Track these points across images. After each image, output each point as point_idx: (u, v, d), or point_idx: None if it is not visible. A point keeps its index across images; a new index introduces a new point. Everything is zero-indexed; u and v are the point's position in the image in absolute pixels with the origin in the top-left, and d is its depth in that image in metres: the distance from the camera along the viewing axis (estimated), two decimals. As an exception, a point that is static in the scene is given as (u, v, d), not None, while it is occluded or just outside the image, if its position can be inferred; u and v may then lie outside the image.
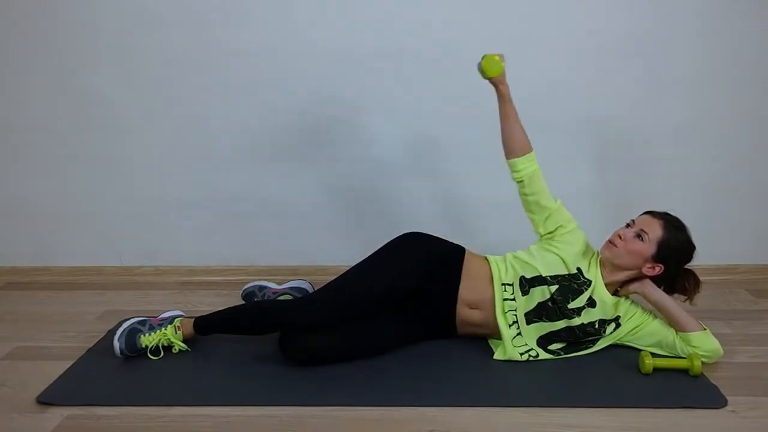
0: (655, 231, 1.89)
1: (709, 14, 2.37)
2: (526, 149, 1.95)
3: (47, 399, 1.76)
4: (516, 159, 1.94)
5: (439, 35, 2.41)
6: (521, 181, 1.96)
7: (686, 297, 1.95)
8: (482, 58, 1.91)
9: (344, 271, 2.00)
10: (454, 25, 2.40)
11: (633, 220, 1.96)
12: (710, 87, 2.45)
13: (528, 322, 1.95)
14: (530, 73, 2.44)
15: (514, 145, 1.95)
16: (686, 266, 1.95)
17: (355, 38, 2.42)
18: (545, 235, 2.00)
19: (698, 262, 1.94)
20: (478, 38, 2.41)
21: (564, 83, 2.45)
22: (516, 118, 1.96)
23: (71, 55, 2.47)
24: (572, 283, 1.92)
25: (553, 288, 1.92)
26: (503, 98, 1.96)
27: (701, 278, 1.96)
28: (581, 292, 1.92)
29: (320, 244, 2.67)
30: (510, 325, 1.96)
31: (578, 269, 1.94)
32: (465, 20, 2.40)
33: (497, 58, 1.91)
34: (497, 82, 1.94)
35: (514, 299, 1.95)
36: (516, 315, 1.95)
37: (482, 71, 1.92)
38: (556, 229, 1.98)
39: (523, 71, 2.44)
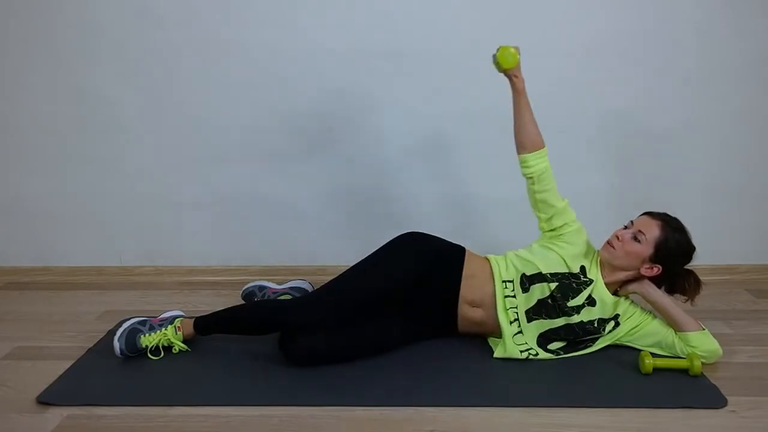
0: (653, 232, 1.89)
1: (710, 14, 2.37)
2: (538, 145, 1.93)
3: (47, 399, 1.76)
4: (527, 154, 1.93)
5: (441, 35, 2.41)
6: (531, 178, 1.94)
7: (687, 297, 1.95)
8: (497, 50, 1.89)
9: (344, 270, 2.00)
10: (456, 24, 2.40)
11: (631, 221, 1.96)
12: (710, 87, 2.45)
13: (528, 320, 1.95)
14: (531, 73, 2.44)
15: (526, 139, 1.93)
16: (687, 266, 1.95)
17: (356, 38, 2.42)
18: (548, 231, 2.00)
19: (698, 262, 1.94)
20: (479, 38, 2.41)
21: (564, 83, 2.45)
22: (530, 112, 1.94)
23: (71, 54, 2.47)
24: (572, 282, 1.92)
25: (553, 285, 1.92)
26: (517, 91, 1.94)
27: (702, 278, 1.96)
28: (580, 291, 1.92)
29: (320, 244, 2.67)
30: (511, 322, 1.96)
31: (581, 268, 1.94)
32: (466, 20, 2.40)
33: (513, 50, 1.88)
34: (512, 74, 1.92)
35: (514, 296, 1.96)
36: (517, 312, 1.95)
37: (497, 63, 1.90)
38: (560, 227, 1.98)
39: (524, 72, 2.44)
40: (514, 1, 2.38)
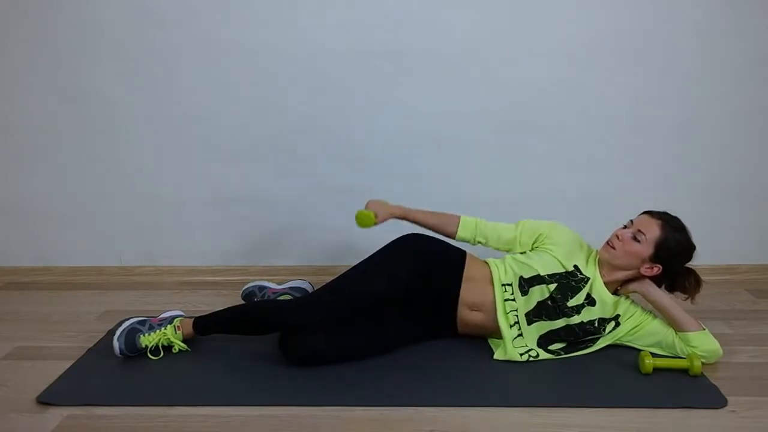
0: (653, 232, 1.89)
1: (710, 14, 2.37)
2: (455, 221, 2.06)
3: (47, 399, 1.76)
4: (457, 235, 2.05)
5: (441, 35, 2.41)
6: (478, 242, 2.07)
7: (687, 296, 1.95)
8: (356, 220, 1.99)
9: (344, 271, 2.00)
10: (456, 24, 2.40)
11: (631, 221, 1.96)
12: (710, 87, 2.45)
13: (529, 323, 1.95)
14: (531, 73, 2.45)
15: (445, 230, 2.06)
16: (687, 265, 1.95)
17: (356, 38, 2.42)
18: (531, 248, 2.04)
19: (698, 262, 1.94)
20: (479, 38, 2.42)
21: (564, 83, 2.45)
22: (424, 215, 2.07)
23: (71, 54, 2.47)
24: (570, 281, 1.92)
25: (552, 287, 1.92)
26: (405, 218, 2.07)
27: (701, 278, 1.96)
28: (579, 289, 1.92)
29: (320, 244, 2.67)
30: (511, 326, 1.96)
31: (575, 266, 1.94)
32: (466, 20, 2.40)
33: (359, 214, 1.98)
34: (384, 220, 2.02)
35: (514, 299, 1.96)
36: (517, 315, 1.95)
37: (365, 226, 2.00)
38: (535, 240, 2.03)
39: (524, 72, 2.46)
40: (514, 1, 2.38)
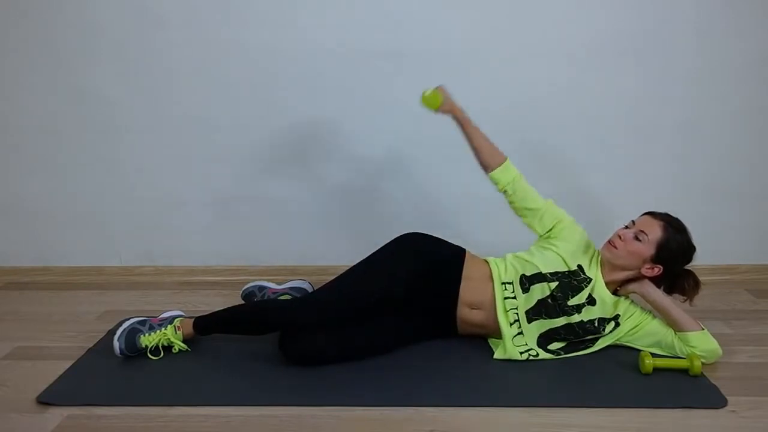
0: (655, 232, 1.89)
1: (710, 14, 2.37)
2: (500, 159, 1.99)
3: (47, 399, 1.76)
4: (493, 172, 1.99)
5: (441, 35, 2.41)
6: (505, 191, 2.00)
7: (686, 297, 1.95)
8: (421, 99, 1.99)
9: (344, 271, 2.00)
10: (456, 24, 2.40)
11: (633, 221, 1.96)
12: (711, 87, 2.45)
13: (529, 321, 1.95)
14: (530, 73, 2.45)
15: (486, 159, 1.99)
16: (686, 267, 1.95)
17: (356, 38, 2.42)
18: (544, 234, 2.01)
19: (698, 262, 1.94)
20: (479, 38, 2.42)
21: (564, 83, 2.45)
22: (479, 134, 2.01)
23: (71, 54, 2.47)
24: (572, 280, 1.92)
25: (553, 285, 1.92)
26: (460, 122, 2.02)
27: (701, 278, 1.96)
28: (581, 289, 1.92)
29: (320, 244, 2.67)
30: (511, 324, 1.96)
31: (579, 266, 1.94)
32: (466, 20, 2.40)
33: (429, 94, 1.98)
34: (446, 111, 2.00)
35: (514, 297, 1.96)
36: (517, 313, 1.95)
37: (428, 107, 2.00)
38: (553, 226, 2.00)
39: (524, 72, 2.46)
40: (515, 1, 2.38)
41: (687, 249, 1.91)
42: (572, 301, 1.92)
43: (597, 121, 2.49)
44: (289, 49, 2.44)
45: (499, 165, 1.98)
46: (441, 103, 1.98)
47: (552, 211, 2.00)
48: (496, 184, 2.00)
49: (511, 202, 2.02)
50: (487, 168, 2.00)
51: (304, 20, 2.41)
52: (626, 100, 2.47)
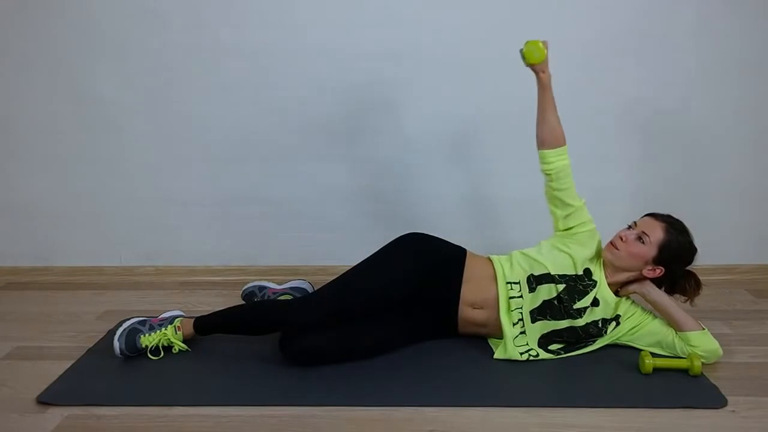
0: (657, 234, 1.89)
1: (710, 14, 2.37)
2: (560, 142, 1.92)
3: (47, 399, 1.76)
4: (547, 150, 1.91)
5: (440, 35, 2.41)
6: (549, 174, 1.93)
7: (686, 298, 1.96)
8: (525, 44, 1.88)
9: (344, 271, 2.00)
10: (455, 25, 2.40)
11: (635, 222, 1.96)
12: (710, 86, 2.45)
13: (533, 321, 1.94)
14: (531, 73, 2.44)
15: (547, 135, 1.92)
16: (687, 268, 1.95)
17: (355, 38, 2.42)
18: (562, 230, 1.99)
19: (699, 262, 1.94)
20: (480, 38, 2.42)
21: (564, 83, 2.45)
22: (553, 108, 1.93)
23: (71, 55, 2.47)
24: (578, 284, 1.92)
25: (561, 287, 1.91)
26: (543, 86, 1.93)
27: (702, 278, 1.96)
28: (587, 293, 1.92)
29: (320, 244, 2.67)
30: (514, 324, 1.96)
31: (585, 271, 1.93)
32: (466, 20, 2.40)
33: (540, 44, 1.87)
34: (539, 69, 1.91)
35: (520, 296, 1.95)
36: (521, 313, 1.95)
37: (524, 57, 1.89)
38: (574, 226, 1.97)
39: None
40: (515, 1, 2.37)
41: (688, 250, 1.91)
42: (578, 305, 1.91)
43: (596, 120, 2.49)
44: (289, 49, 2.44)
45: (556, 147, 1.90)
46: (544, 58, 1.88)
47: (581, 214, 1.96)
48: (544, 163, 1.92)
49: (549, 187, 1.95)
50: (543, 144, 1.92)
51: (304, 20, 2.41)
52: (626, 100, 2.47)
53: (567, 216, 1.96)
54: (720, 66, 2.42)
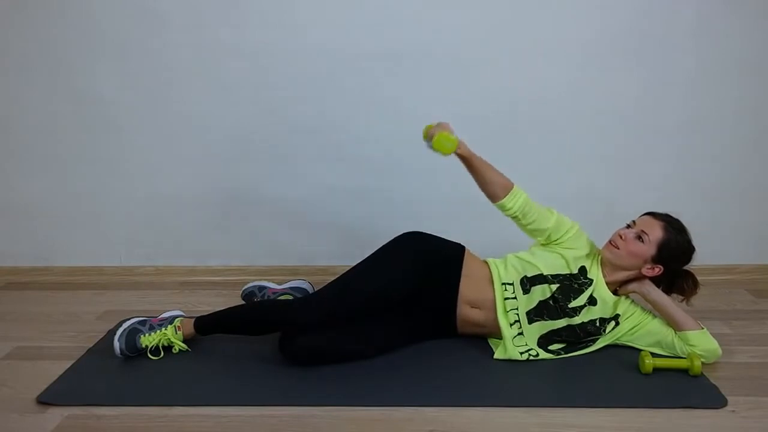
0: (656, 233, 1.89)
1: (710, 14, 2.37)
2: (508, 186, 1.91)
3: (47, 399, 1.76)
4: (502, 200, 1.91)
5: (440, 35, 2.41)
6: (515, 217, 1.94)
7: (684, 297, 1.96)
8: (432, 139, 1.80)
9: (344, 271, 2.00)
10: (455, 25, 2.40)
11: (634, 221, 1.96)
12: (711, 87, 2.44)
13: (530, 322, 1.95)
14: (530, 73, 2.45)
15: (495, 190, 1.91)
16: (685, 267, 1.95)
17: (355, 38, 2.42)
18: (551, 243, 1.99)
19: (698, 262, 1.94)
20: (479, 38, 2.42)
21: (564, 83, 2.45)
22: (487, 166, 1.92)
23: (71, 55, 2.47)
24: (573, 283, 1.92)
25: (554, 287, 1.92)
26: (467, 159, 1.91)
27: (701, 278, 1.97)
28: (582, 292, 1.92)
29: (320, 244, 2.67)
30: (511, 325, 1.96)
31: (580, 269, 1.94)
32: (466, 20, 2.40)
33: (447, 134, 1.79)
34: (461, 154, 1.89)
35: (515, 298, 1.95)
36: (518, 314, 1.95)
37: (436, 151, 1.81)
38: (559, 238, 1.97)
39: (524, 72, 2.45)
40: (515, 1, 2.37)
41: (687, 249, 1.91)
42: (573, 303, 1.92)
43: (597, 121, 2.49)
44: (289, 49, 2.44)
45: (509, 191, 1.90)
46: (457, 146, 1.82)
47: (559, 227, 1.96)
48: (505, 210, 1.93)
49: (521, 225, 1.96)
50: (495, 197, 1.92)
51: (304, 20, 2.41)
52: (626, 100, 2.47)
53: (548, 236, 1.97)
54: (720, 66, 2.42)
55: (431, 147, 1.80)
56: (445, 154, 1.80)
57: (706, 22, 2.37)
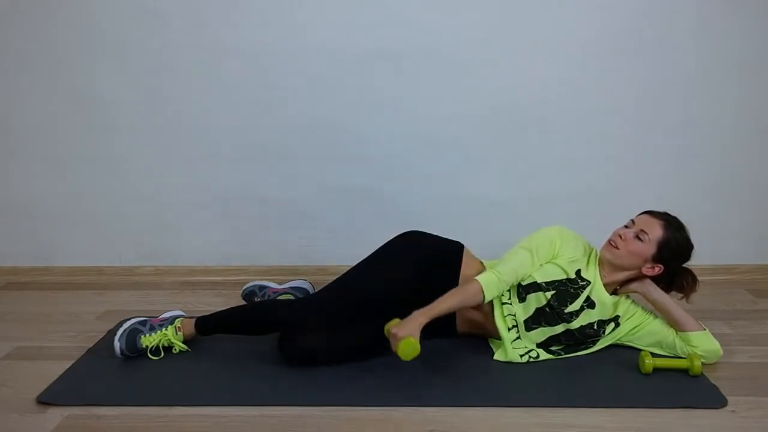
0: (655, 231, 1.89)
1: (710, 14, 2.37)
2: (478, 289, 1.84)
3: (47, 399, 1.76)
4: (485, 300, 1.86)
5: (440, 35, 2.41)
6: (502, 295, 1.93)
7: (683, 295, 1.95)
8: (397, 347, 1.72)
9: (344, 271, 2.00)
10: (455, 25, 2.40)
11: (632, 220, 1.96)
12: (711, 86, 2.44)
13: (528, 329, 1.94)
14: (532, 73, 2.45)
15: (470, 302, 1.87)
16: (684, 265, 1.95)
17: (355, 38, 2.42)
18: (548, 262, 1.95)
19: (698, 262, 1.93)
20: (479, 38, 2.42)
21: (564, 83, 2.45)
22: (450, 301, 1.83)
23: (71, 54, 2.47)
24: (569, 288, 1.91)
25: (549, 294, 1.90)
26: (431, 317, 1.81)
27: (702, 278, 1.96)
28: (578, 295, 1.91)
29: (320, 244, 2.67)
30: (510, 329, 1.96)
31: (577, 272, 1.93)
32: (466, 20, 2.40)
33: (411, 339, 1.72)
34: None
35: (511, 304, 1.95)
36: (515, 320, 1.95)
37: (402, 357, 1.73)
38: (553, 254, 1.94)
39: (524, 71, 2.46)
40: (515, 1, 2.37)
41: (687, 247, 1.91)
42: (570, 308, 1.91)
43: (597, 120, 2.49)
44: (289, 49, 2.44)
45: (482, 292, 1.84)
46: (419, 351, 1.73)
47: (541, 254, 1.92)
48: (489, 303, 1.91)
49: (512, 287, 1.94)
50: (479, 303, 1.88)
51: (304, 20, 2.41)
52: (626, 100, 2.47)
53: (541, 266, 1.92)
54: (720, 66, 2.42)
55: (394, 350, 1.75)
56: (406, 360, 1.74)
57: (706, 22, 2.37)
